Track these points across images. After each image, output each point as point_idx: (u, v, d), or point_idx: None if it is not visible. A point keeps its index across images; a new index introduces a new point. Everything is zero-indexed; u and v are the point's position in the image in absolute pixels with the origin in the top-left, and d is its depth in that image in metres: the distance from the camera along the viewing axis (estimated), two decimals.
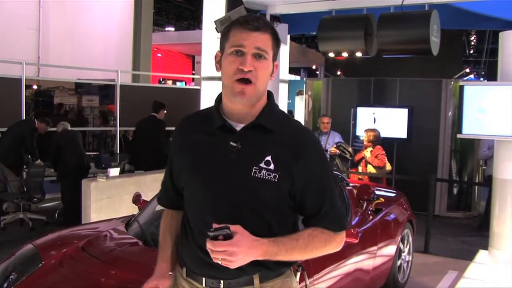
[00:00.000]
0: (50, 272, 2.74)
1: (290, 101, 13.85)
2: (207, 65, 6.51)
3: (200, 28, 8.54)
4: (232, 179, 1.53)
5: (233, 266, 1.41)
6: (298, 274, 1.93)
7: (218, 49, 1.59)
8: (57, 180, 7.03)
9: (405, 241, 4.57)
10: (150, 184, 5.54)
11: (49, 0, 10.22)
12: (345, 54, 5.50)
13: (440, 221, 7.40)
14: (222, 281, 1.56)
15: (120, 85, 8.72)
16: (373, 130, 6.76)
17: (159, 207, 2.46)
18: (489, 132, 4.88)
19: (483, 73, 19.44)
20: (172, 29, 19.73)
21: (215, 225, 1.40)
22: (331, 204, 1.58)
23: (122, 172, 6.57)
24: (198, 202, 1.60)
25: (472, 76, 18.43)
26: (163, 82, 16.56)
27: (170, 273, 1.71)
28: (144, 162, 7.03)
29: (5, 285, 2.68)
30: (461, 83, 5.65)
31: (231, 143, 1.54)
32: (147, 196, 3.92)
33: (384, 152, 6.62)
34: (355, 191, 4.17)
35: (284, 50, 7.20)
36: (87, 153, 7.42)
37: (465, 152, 8.25)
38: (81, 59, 10.23)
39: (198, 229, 1.58)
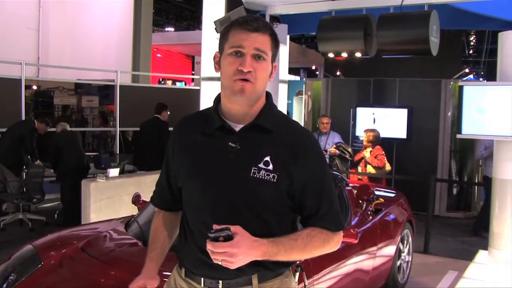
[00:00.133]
0: (50, 272, 2.74)
1: (290, 101, 13.85)
2: (207, 65, 6.51)
3: (200, 29, 8.54)
4: (231, 180, 1.53)
5: (233, 267, 1.41)
6: (297, 274, 1.93)
7: (217, 49, 1.59)
8: (56, 181, 7.03)
9: (405, 241, 4.57)
10: (150, 184, 5.52)
11: (49, 0, 10.22)
12: (344, 55, 5.50)
13: (440, 221, 7.40)
14: (220, 281, 1.57)
15: (119, 85, 8.73)
16: (373, 130, 6.76)
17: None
18: (489, 132, 4.88)
19: (482, 73, 19.42)
20: (172, 29, 19.73)
21: (215, 226, 1.40)
22: (329, 204, 1.59)
23: (121, 172, 6.57)
24: (197, 203, 1.60)
25: (471, 76, 18.42)
26: (162, 82, 16.57)
27: (158, 274, 1.69)
28: (147, 163, 7.03)
29: (5, 285, 2.68)
30: (460, 83, 5.66)
31: (230, 143, 1.54)
32: (147, 196, 3.89)
33: (383, 152, 6.62)
34: (354, 192, 4.17)
35: (284, 51, 7.20)
36: (87, 153, 7.43)
37: (464, 152, 8.25)
38: (81, 59, 10.23)
39: (198, 230, 1.59)
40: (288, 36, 7.18)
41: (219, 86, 1.58)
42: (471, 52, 19.14)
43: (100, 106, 11.66)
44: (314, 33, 6.77)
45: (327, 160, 6.75)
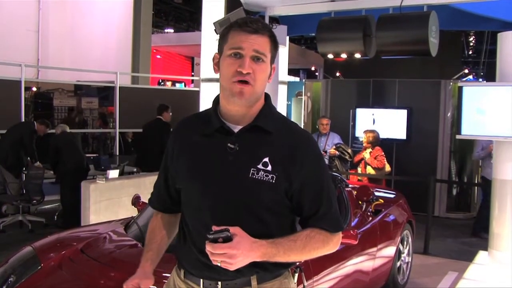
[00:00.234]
0: (49, 274, 2.74)
1: (289, 102, 13.84)
2: (206, 66, 6.51)
3: (199, 30, 8.53)
4: (230, 181, 1.53)
5: (232, 268, 1.41)
6: (296, 275, 1.93)
7: (217, 51, 1.59)
8: (56, 182, 7.02)
9: (405, 242, 4.57)
10: (150, 186, 5.46)
11: (49, 2, 10.23)
12: (344, 55, 5.52)
13: (439, 222, 7.39)
14: (219, 283, 1.57)
15: (119, 87, 8.73)
16: (372, 131, 6.76)
17: None
18: (488, 132, 4.87)
19: (482, 74, 19.45)
20: (171, 30, 19.72)
21: (214, 227, 1.40)
22: (328, 205, 1.59)
23: (121, 174, 6.56)
24: (196, 204, 1.60)
25: (471, 77, 18.46)
26: (162, 83, 16.56)
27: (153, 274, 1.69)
28: (150, 165, 7.03)
29: (4, 287, 2.67)
30: (460, 84, 5.66)
31: (229, 144, 1.54)
32: (147, 198, 3.88)
33: (383, 153, 6.62)
34: (354, 192, 4.17)
35: (283, 52, 7.20)
36: (87, 155, 7.43)
37: (464, 153, 8.25)
38: (81, 61, 10.25)
39: (197, 231, 1.59)
40: (287, 37, 7.19)
41: (218, 87, 1.58)
42: (470, 52, 19.16)
43: (100, 108, 11.68)
44: (313, 34, 6.78)
45: (327, 161, 6.75)
